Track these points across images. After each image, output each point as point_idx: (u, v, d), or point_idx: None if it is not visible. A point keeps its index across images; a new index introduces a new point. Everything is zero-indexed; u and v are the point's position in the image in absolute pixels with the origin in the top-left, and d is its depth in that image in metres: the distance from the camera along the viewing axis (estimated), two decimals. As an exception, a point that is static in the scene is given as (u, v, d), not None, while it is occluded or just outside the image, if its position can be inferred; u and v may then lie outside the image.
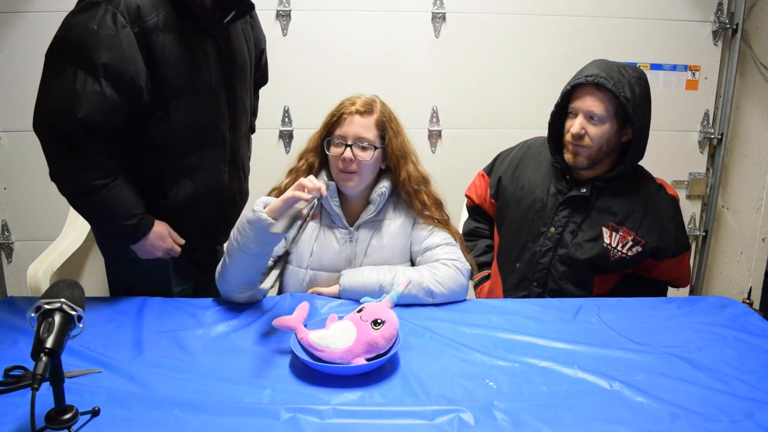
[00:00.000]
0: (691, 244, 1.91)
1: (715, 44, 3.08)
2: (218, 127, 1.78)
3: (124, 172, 1.67)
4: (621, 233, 1.83)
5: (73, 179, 1.61)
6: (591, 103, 1.77)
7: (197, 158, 1.75)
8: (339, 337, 1.35)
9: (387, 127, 1.74)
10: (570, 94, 1.83)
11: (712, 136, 3.16)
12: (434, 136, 3.01)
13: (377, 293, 1.60)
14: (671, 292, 2.02)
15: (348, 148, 1.68)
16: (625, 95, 1.75)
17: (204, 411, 1.19)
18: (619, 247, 1.83)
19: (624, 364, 1.40)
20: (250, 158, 2.00)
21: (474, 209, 2.20)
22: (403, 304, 1.64)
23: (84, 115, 1.53)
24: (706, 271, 3.37)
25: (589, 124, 1.78)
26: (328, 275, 1.76)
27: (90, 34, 1.53)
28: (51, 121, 1.57)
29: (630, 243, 1.83)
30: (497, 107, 2.98)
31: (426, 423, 1.17)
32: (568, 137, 1.82)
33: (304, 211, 1.45)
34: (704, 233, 3.29)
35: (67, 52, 1.55)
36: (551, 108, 1.90)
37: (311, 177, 1.51)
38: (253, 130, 2.06)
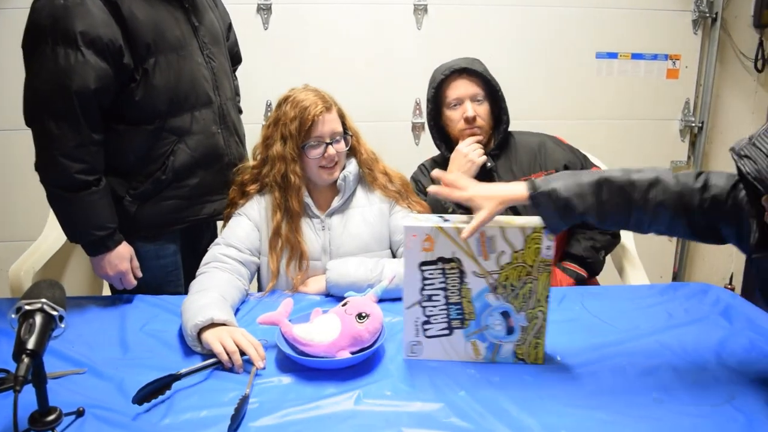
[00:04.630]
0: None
1: (695, 33, 3.10)
2: (201, 86, 1.79)
3: (106, 180, 1.68)
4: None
5: (59, 168, 1.60)
6: (469, 86, 1.92)
7: (187, 120, 1.76)
8: (323, 331, 1.35)
9: (343, 114, 1.79)
10: (438, 91, 1.94)
11: (693, 125, 3.19)
12: (418, 128, 3.02)
13: (364, 288, 1.60)
14: (654, 278, 2.05)
15: (329, 146, 1.72)
16: (482, 69, 1.92)
17: (189, 408, 1.20)
18: None
19: (607, 350, 1.41)
20: (242, 127, 2.00)
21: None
22: (389, 298, 1.64)
23: (78, 87, 1.56)
24: (689, 257, 3.40)
25: (476, 104, 1.92)
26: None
27: (59, 9, 1.55)
28: (46, 102, 1.57)
29: None
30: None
31: (410, 414, 1.18)
32: (461, 125, 1.93)
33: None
34: (686, 220, 3.32)
35: (41, 34, 1.56)
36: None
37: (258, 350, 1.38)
38: (240, 111, 2.06)
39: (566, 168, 1.95)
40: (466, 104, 1.91)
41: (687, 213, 1.24)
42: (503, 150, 1.99)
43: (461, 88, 1.92)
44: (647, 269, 2.23)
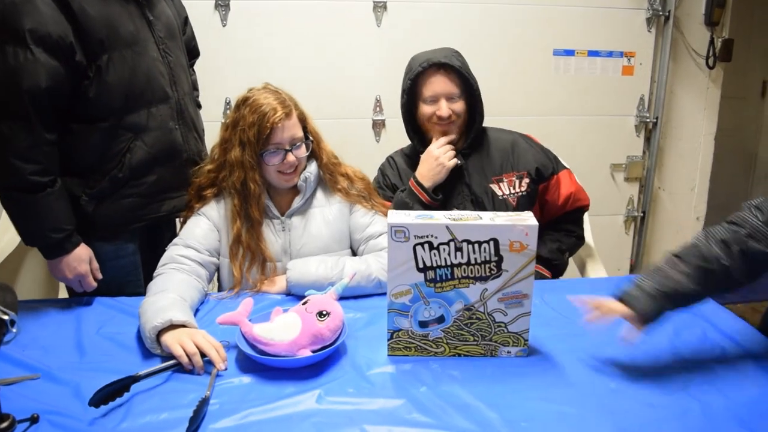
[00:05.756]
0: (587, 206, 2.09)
1: (649, 31, 3.16)
2: (157, 81, 1.75)
3: (61, 179, 1.63)
4: (505, 180, 1.95)
5: (12, 170, 1.55)
6: (446, 84, 1.88)
7: (144, 117, 1.72)
8: (284, 330, 1.34)
9: (305, 117, 1.76)
10: (414, 83, 1.91)
11: (648, 120, 3.25)
12: (378, 126, 3.01)
13: (325, 287, 1.59)
14: (612, 271, 2.08)
15: (289, 153, 1.69)
16: (459, 65, 1.88)
17: (148, 411, 1.17)
18: (512, 190, 1.95)
19: (566, 343, 1.43)
20: (201, 122, 1.97)
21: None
22: (350, 296, 1.64)
23: (28, 86, 1.51)
24: (645, 250, 3.47)
25: (451, 103, 1.89)
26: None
27: (6, 6, 1.50)
28: None
29: (516, 181, 1.95)
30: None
31: (372, 411, 1.18)
32: (434, 121, 1.91)
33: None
34: (642, 214, 3.39)
35: None
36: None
37: (220, 350, 1.35)
38: (199, 105, 2.04)
39: (538, 171, 1.95)
40: (441, 102, 1.87)
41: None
42: (475, 148, 1.97)
43: (437, 84, 1.88)
44: (605, 262, 2.27)
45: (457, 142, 1.94)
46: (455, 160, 1.89)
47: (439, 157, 1.88)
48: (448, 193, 1.93)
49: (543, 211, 2.05)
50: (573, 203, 2.03)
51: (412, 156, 2.01)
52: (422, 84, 1.89)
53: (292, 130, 1.69)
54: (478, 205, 1.93)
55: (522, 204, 1.95)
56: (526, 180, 1.95)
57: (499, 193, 1.94)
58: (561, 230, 2.06)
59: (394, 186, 2.02)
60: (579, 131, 3.19)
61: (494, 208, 1.92)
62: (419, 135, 1.98)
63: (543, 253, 2.01)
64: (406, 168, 2.02)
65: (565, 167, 2.05)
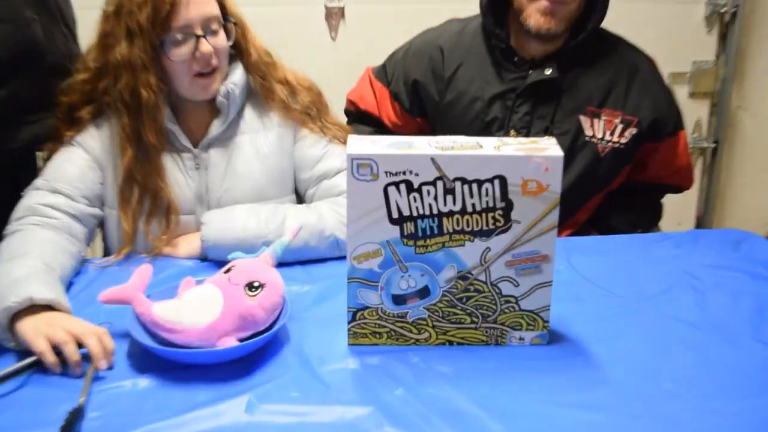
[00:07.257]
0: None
1: None
2: None
3: None
4: (604, 117, 1.94)
5: None
6: None
7: None
8: (197, 309, 1.34)
9: None
10: None
11: (724, 10, 3.25)
12: (335, 16, 2.99)
13: (258, 248, 1.57)
14: (670, 225, 2.10)
15: (201, 40, 1.66)
16: None
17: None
18: (607, 137, 1.94)
19: (601, 326, 1.45)
20: (72, 10, 2.05)
21: (358, 115, 2.26)
22: (295, 260, 1.66)
23: None
24: (718, 195, 3.51)
25: None
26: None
27: None
28: None
29: (620, 126, 1.94)
30: None
31: (326, 425, 1.18)
32: None
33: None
34: (714, 144, 3.42)
35: None
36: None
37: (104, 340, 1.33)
38: None
39: (654, 124, 1.93)
40: None
41: None
42: (579, 58, 1.95)
43: None
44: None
45: (557, 38, 1.91)
46: None
47: None
48: (518, 108, 1.94)
49: (631, 173, 2.06)
50: (676, 179, 2.08)
51: (489, 38, 2.00)
52: None
53: (205, 7, 1.66)
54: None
55: (611, 158, 1.95)
56: (633, 130, 1.94)
57: (588, 132, 1.94)
58: (645, 204, 2.12)
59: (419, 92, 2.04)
60: (625, 25, 3.17)
61: (569, 149, 1.91)
62: (496, 16, 1.95)
63: (614, 223, 2.05)
64: (482, 51, 2.01)
65: (683, 125, 2.04)
